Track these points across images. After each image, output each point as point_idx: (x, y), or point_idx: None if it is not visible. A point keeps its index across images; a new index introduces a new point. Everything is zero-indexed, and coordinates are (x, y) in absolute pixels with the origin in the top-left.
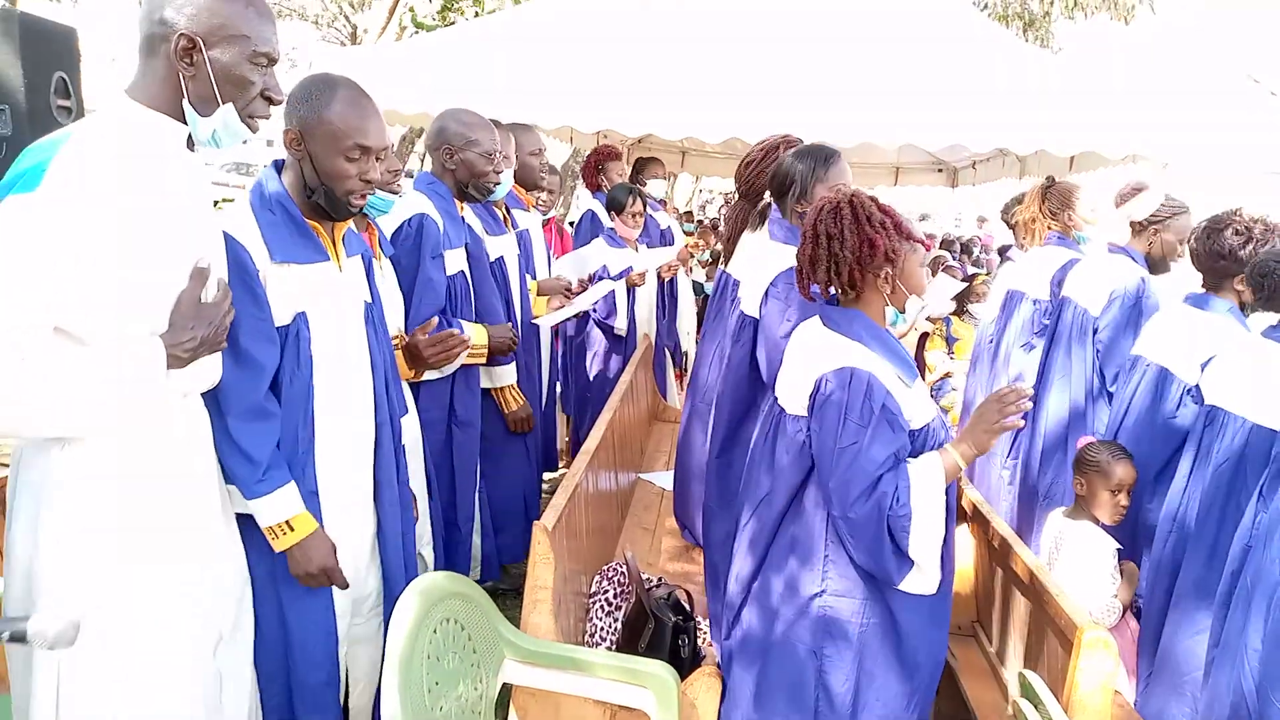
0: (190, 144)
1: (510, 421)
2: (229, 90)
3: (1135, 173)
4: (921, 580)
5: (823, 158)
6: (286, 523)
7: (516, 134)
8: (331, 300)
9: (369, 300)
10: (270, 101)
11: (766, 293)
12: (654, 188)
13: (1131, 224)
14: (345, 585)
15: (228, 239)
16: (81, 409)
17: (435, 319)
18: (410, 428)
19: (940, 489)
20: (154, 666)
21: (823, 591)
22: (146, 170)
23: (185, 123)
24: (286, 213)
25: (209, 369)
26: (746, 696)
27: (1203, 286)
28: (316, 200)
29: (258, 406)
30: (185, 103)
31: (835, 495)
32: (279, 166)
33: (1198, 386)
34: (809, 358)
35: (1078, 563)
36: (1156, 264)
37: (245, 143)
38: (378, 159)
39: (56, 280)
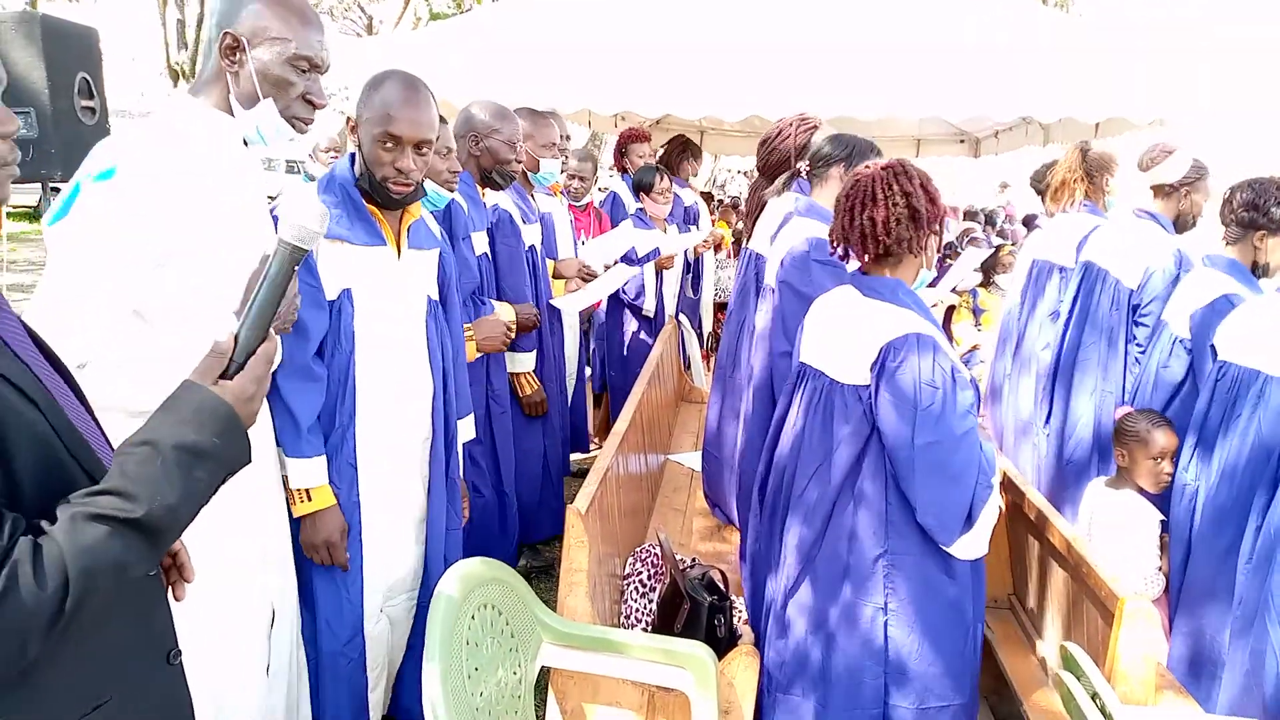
0: (246, 143)
1: (525, 405)
2: (269, 89)
3: (1160, 136)
4: (973, 545)
5: (877, 149)
6: (307, 490)
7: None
8: (383, 284)
9: (434, 296)
10: (313, 105)
11: (784, 261)
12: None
13: (1155, 188)
14: (345, 566)
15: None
16: (149, 386)
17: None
18: (465, 429)
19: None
20: (211, 635)
21: (885, 552)
22: (200, 157)
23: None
24: (347, 195)
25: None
26: (814, 660)
27: (1224, 240)
28: (363, 185)
29: (305, 367)
30: (231, 98)
31: (923, 455)
32: (353, 157)
33: (1200, 344)
34: (862, 327)
35: (1122, 533)
36: (1182, 225)
37: (291, 140)
38: (419, 152)
39: (132, 264)
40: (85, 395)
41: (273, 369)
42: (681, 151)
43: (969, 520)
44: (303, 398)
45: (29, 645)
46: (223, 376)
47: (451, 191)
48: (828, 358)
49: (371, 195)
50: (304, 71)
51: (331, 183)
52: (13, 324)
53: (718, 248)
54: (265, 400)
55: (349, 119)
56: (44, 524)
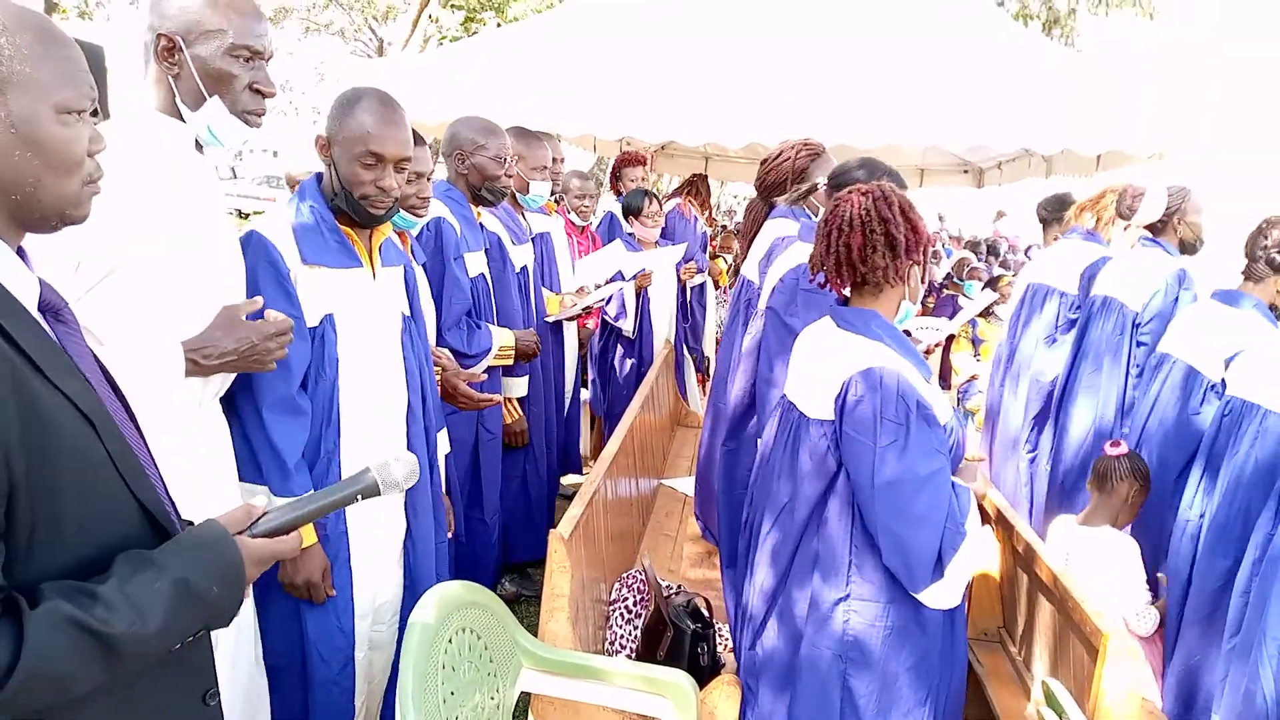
0: (200, 147)
1: (505, 434)
2: (212, 85)
3: (1159, 171)
4: (943, 595)
5: (899, 178)
6: None
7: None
8: (362, 306)
9: (407, 313)
10: (261, 94)
11: (774, 289)
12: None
13: (1148, 227)
14: (323, 601)
15: (264, 240)
16: None
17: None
18: (443, 442)
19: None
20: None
21: (847, 596)
22: (151, 168)
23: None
24: (321, 218)
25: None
26: (778, 711)
27: (1243, 274)
28: (338, 205)
29: (289, 400)
30: (177, 101)
31: (883, 494)
32: (320, 177)
33: (1222, 382)
34: (829, 360)
35: (1105, 568)
36: (1188, 248)
37: (233, 169)
38: (398, 169)
39: (75, 279)
40: (138, 418)
41: (267, 567)
42: (694, 189)
43: (939, 567)
44: (288, 433)
45: None
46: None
47: (420, 217)
48: (800, 391)
49: (347, 215)
50: (246, 60)
51: (302, 204)
52: (82, 349)
53: (716, 283)
54: (242, 427)
55: (319, 139)
56: (23, 603)
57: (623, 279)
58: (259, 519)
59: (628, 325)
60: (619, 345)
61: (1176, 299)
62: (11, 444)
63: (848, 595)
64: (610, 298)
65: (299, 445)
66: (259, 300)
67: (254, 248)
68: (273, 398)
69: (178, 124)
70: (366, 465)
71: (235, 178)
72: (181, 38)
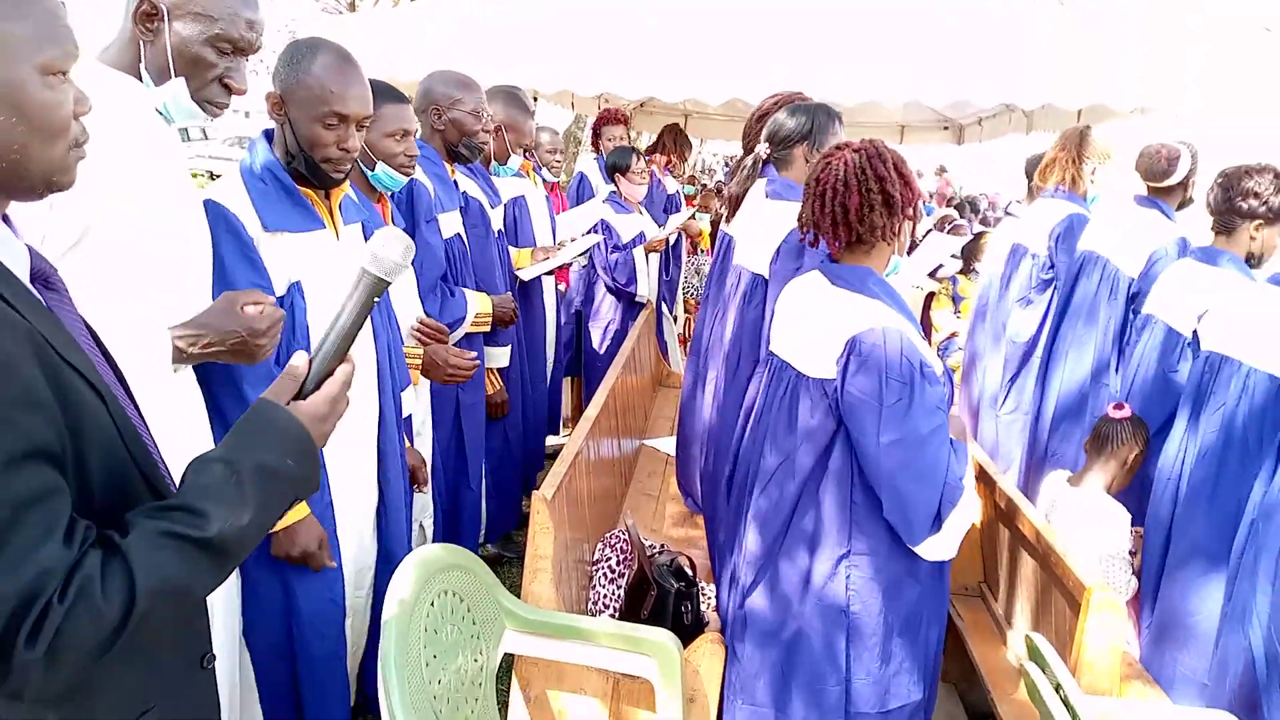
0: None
1: (486, 404)
2: (183, 66)
3: (1141, 125)
4: (940, 548)
5: (835, 113)
6: None
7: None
8: (328, 269)
9: None
10: (229, 90)
11: (779, 250)
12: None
13: (1157, 187)
14: (319, 569)
15: (222, 209)
16: None
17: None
18: (421, 397)
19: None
20: None
21: (848, 553)
22: (117, 129)
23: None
24: (278, 181)
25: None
26: (766, 667)
27: (1213, 230)
28: (296, 167)
29: (268, 375)
30: (142, 67)
31: (887, 452)
32: (269, 135)
33: (1194, 336)
34: (829, 318)
35: (1091, 536)
36: (1183, 205)
37: (203, 130)
38: (359, 128)
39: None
40: (133, 392)
41: (349, 390)
42: (674, 141)
43: (937, 520)
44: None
45: (86, 661)
46: (297, 397)
47: (408, 176)
48: (795, 349)
49: (305, 177)
50: (225, 53)
51: (258, 169)
52: (75, 318)
53: (694, 246)
54: (216, 401)
55: (270, 95)
56: (115, 535)
57: (618, 249)
58: (305, 378)
59: (642, 288)
60: (614, 306)
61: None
62: (56, 412)
63: (849, 551)
64: (617, 266)
65: None
66: (267, 297)
67: (213, 217)
68: (254, 375)
69: (141, 87)
70: (360, 265)
71: (206, 139)
72: (167, 8)
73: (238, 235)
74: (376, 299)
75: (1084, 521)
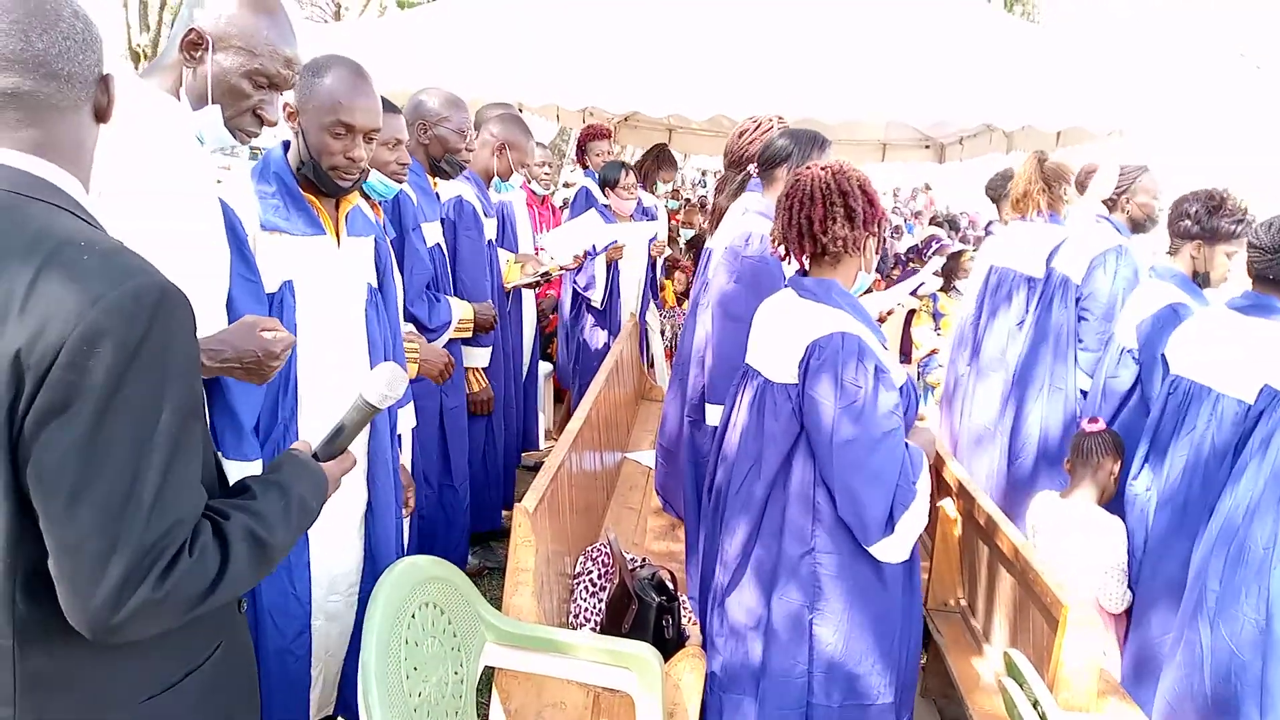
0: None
1: (471, 403)
2: (220, 95)
3: (1118, 147)
4: (893, 550)
5: (820, 140)
6: None
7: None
8: (324, 275)
9: (374, 284)
10: (261, 120)
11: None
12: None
13: (1105, 202)
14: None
15: (222, 204)
16: None
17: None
18: (406, 417)
19: (927, 481)
20: None
21: (812, 550)
22: (146, 140)
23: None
24: (284, 184)
25: None
26: (745, 662)
27: (1168, 251)
28: (305, 174)
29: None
30: (181, 91)
31: (840, 452)
32: (286, 145)
33: (1138, 350)
34: (793, 327)
35: (1089, 548)
36: (1141, 225)
37: (233, 150)
38: (367, 140)
39: None
40: None
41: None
42: (656, 161)
43: (890, 522)
44: (247, 396)
45: (179, 617)
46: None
47: (400, 183)
48: (764, 358)
49: (313, 184)
50: (261, 87)
51: (266, 171)
52: None
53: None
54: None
55: (286, 106)
56: (216, 515)
57: (595, 254)
58: (316, 448)
59: (596, 296)
60: (589, 315)
61: (1117, 273)
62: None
63: (813, 549)
64: (581, 268)
65: (255, 410)
66: (289, 336)
67: None
68: (240, 389)
69: (181, 105)
70: (359, 393)
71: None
72: (213, 39)
73: (234, 231)
74: (371, 414)
75: (1078, 535)
